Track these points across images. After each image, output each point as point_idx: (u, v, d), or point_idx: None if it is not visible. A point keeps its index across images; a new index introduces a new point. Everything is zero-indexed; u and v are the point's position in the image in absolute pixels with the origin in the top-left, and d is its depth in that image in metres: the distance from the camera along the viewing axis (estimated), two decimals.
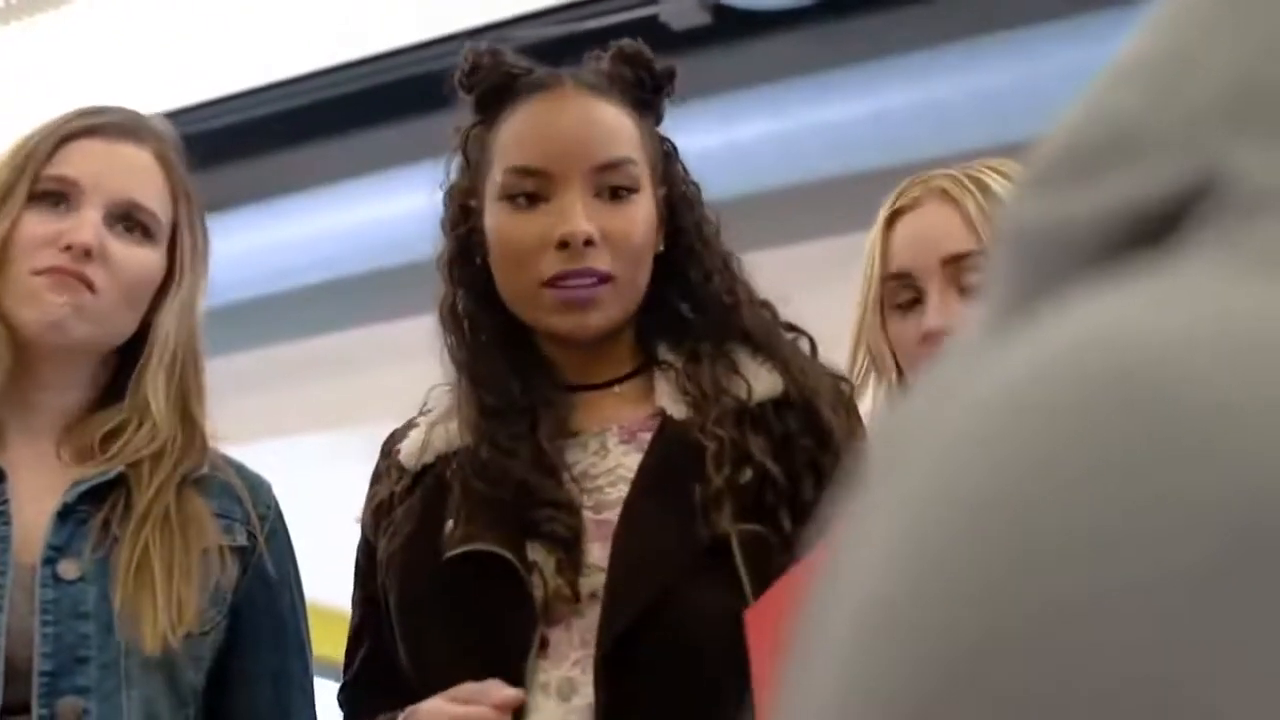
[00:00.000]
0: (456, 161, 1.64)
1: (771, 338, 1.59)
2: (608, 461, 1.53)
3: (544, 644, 1.46)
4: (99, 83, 4.64)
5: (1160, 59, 0.34)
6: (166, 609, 1.51)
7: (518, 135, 1.56)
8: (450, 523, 1.49)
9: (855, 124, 4.24)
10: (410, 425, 1.63)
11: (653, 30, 4.35)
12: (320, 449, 5.33)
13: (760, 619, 1.32)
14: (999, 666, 0.28)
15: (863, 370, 1.80)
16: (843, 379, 1.64)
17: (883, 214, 1.81)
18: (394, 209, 4.94)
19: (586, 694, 1.44)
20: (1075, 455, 0.28)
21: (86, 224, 1.55)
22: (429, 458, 1.56)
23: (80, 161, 1.58)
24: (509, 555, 1.45)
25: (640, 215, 1.55)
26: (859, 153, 4.25)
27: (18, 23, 5.29)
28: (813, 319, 1.65)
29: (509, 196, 1.54)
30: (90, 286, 1.55)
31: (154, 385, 1.60)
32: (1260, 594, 0.26)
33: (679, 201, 1.61)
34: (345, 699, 1.64)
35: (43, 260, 1.54)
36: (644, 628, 1.43)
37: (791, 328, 1.63)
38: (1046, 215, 0.34)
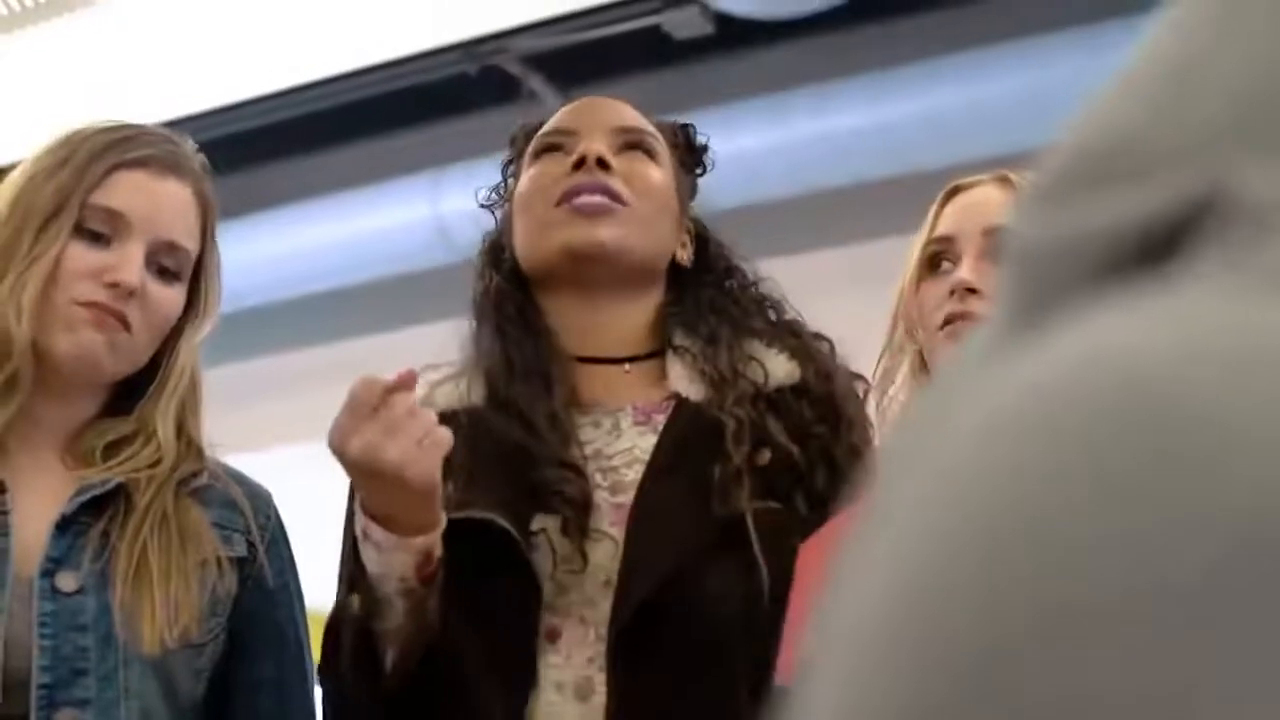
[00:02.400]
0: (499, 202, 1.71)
1: (793, 333, 1.61)
2: (621, 442, 1.52)
3: (556, 636, 1.44)
4: (100, 92, 4.65)
5: (1166, 72, 0.34)
6: (164, 607, 1.52)
7: (548, 119, 1.66)
8: (450, 485, 1.45)
9: (858, 134, 4.24)
10: None
11: (655, 40, 4.35)
12: (320, 458, 5.33)
13: (812, 552, 1.32)
14: (1005, 675, 0.28)
15: (898, 346, 1.84)
16: (860, 378, 1.64)
17: (942, 192, 1.88)
18: (394, 219, 4.94)
19: (605, 693, 1.42)
20: (1080, 470, 0.29)
21: (133, 264, 1.57)
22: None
23: (128, 196, 1.59)
24: (507, 525, 1.43)
25: (660, 173, 1.60)
26: (862, 163, 4.26)
27: (20, 31, 5.30)
28: (818, 329, 1.65)
29: (536, 151, 1.62)
30: (126, 325, 1.57)
31: (165, 412, 1.62)
32: (1258, 606, 0.26)
33: (706, 232, 1.67)
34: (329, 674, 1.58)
35: (85, 293, 1.56)
36: (658, 608, 1.41)
37: (816, 336, 1.64)
38: (1052, 231, 0.34)
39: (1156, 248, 0.32)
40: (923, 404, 0.36)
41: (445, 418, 1.48)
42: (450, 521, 1.42)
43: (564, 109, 1.67)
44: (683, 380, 1.55)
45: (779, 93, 4.34)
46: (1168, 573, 0.27)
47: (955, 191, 1.88)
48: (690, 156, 1.68)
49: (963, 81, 4.13)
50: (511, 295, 1.60)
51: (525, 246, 1.60)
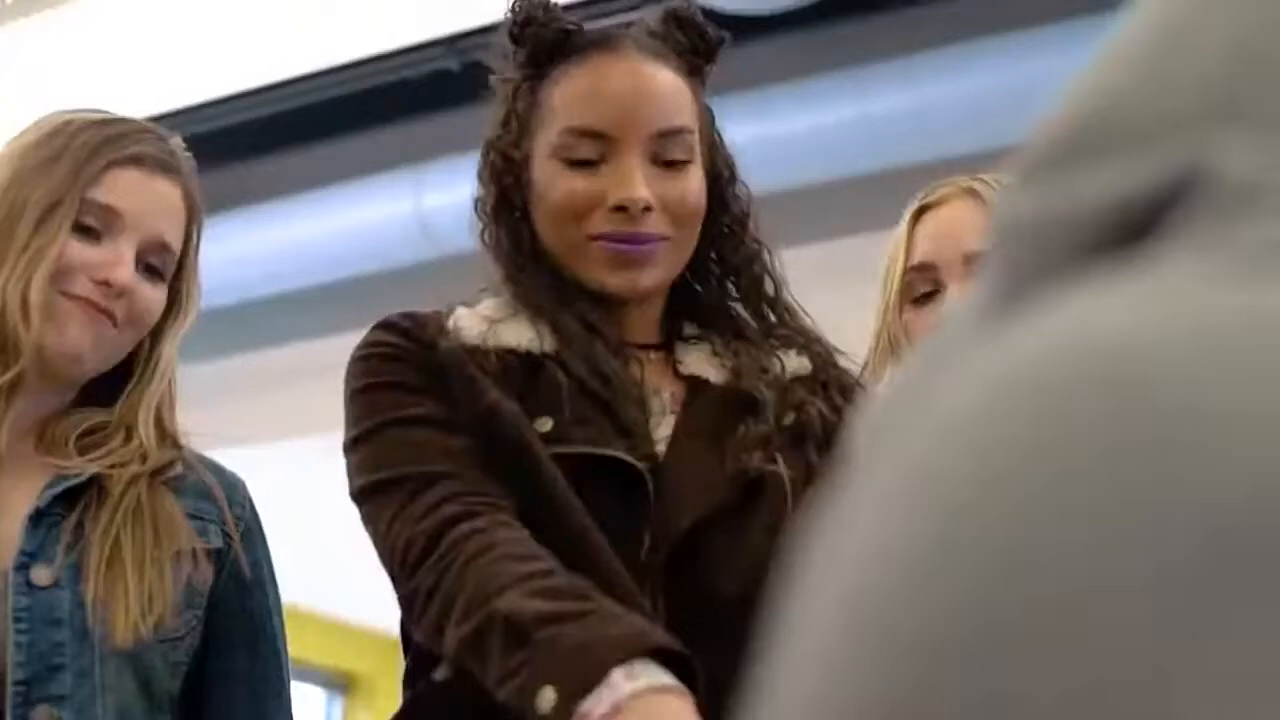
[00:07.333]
0: (500, 114, 1.61)
1: (802, 328, 1.61)
2: (662, 429, 1.50)
3: None
4: (80, 88, 4.64)
5: (1148, 46, 0.34)
6: (138, 600, 1.51)
7: (577, 95, 1.55)
8: (550, 421, 1.43)
9: (843, 128, 4.25)
10: (444, 314, 1.54)
11: None
12: (298, 454, 5.32)
13: None
14: (972, 669, 0.28)
15: (880, 363, 1.83)
16: (857, 380, 1.65)
17: (910, 210, 1.84)
18: (376, 215, 4.94)
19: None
20: (1053, 459, 0.29)
21: (125, 263, 1.57)
22: (494, 343, 1.50)
23: (123, 194, 1.59)
24: (630, 459, 1.42)
25: (694, 183, 1.55)
26: (847, 157, 4.27)
27: (2, 27, 5.29)
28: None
29: (565, 158, 1.53)
30: (114, 323, 1.57)
31: (146, 408, 1.62)
32: (1232, 595, 0.26)
33: (720, 173, 1.62)
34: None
35: (76, 287, 1.56)
36: (686, 555, 1.41)
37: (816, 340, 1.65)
38: (1036, 208, 0.34)
39: (1138, 225, 0.32)
40: (901, 385, 0.35)
41: (523, 357, 1.48)
42: (570, 455, 1.42)
43: (597, 92, 1.54)
44: (702, 365, 1.55)
45: (763, 87, 4.34)
46: (1140, 564, 0.27)
47: (923, 211, 1.84)
48: (700, 54, 1.64)
49: (948, 76, 4.14)
50: (531, 269, 1.55)
51: (555, 250, 1.54)
